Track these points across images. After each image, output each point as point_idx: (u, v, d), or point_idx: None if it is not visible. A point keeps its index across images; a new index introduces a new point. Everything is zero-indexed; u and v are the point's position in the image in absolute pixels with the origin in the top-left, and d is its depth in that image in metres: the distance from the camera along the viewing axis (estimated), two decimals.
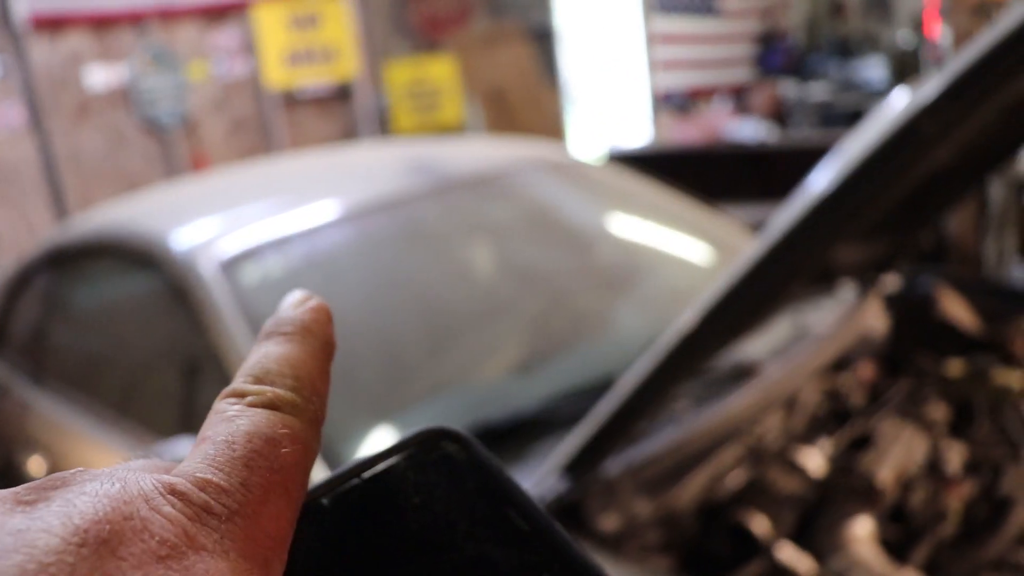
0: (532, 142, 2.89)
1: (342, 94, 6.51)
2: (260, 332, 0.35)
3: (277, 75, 6.05)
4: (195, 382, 2.17)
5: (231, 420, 0.30)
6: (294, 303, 0.35)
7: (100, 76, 5.54)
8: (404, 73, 6.57)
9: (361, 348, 1.97)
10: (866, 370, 1.95)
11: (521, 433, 1.66)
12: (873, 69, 7.25)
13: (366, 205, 2.20)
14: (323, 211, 2.19)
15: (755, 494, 1.39)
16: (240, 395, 0.31)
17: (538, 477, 1.32)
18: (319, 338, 0.34)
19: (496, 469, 0.31)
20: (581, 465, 1.25)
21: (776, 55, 8.79)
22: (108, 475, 0.27)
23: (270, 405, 0.30)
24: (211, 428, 0.30)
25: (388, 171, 2.41)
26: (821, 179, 1.22)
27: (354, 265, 2.16)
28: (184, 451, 1.78)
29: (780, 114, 5.12)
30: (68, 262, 2.66)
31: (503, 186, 2.43)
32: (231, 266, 2.04)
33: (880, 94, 5.78)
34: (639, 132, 8.29)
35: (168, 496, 0.27)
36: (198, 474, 0.28)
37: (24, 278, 2.80)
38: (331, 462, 1.51)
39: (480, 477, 0.30)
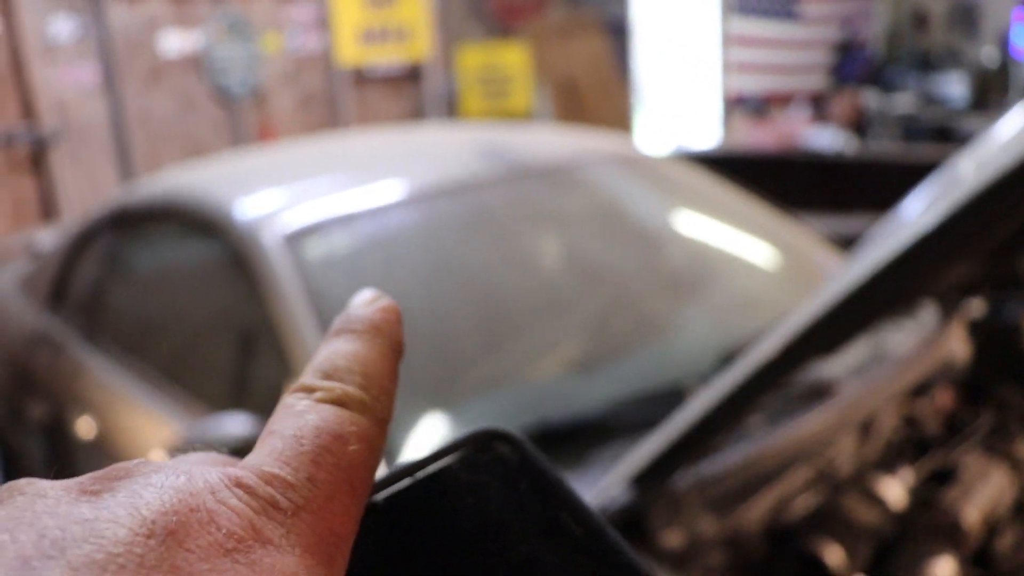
0: (605, 135, 2.81)
1: (412, 75, 6.48)
2: (329, 328, 0.34)
3: (349, 52, 6.02)
4: (250, 355, 2.14)
5: (299, 415, 0.30)
6: (364, 301, 0.35)
7: (175, 42, 5.56)
8: (476, 58, 6.51)
9: (418, 336, 1.92)
10: (945, 398, 1.86)
11: (581, 437, 1.59)
12: (954, 85, 7.03)
13: (434, 188, 2.15)
14: (390, 190, 2.14)
15: (828, 521, 1.31)
16: (309, 390, 0.31)
17: (602, 486, 1.25)
18: (388, 338, 0.34)
19: (549, 472, 0.31)
20: (649, 478, 1.19)
21: (854, 65, 8.58)
22: (173, 467, 0.27)
23: (338, 402, 0.30)
24: (279, 422, 0.30)
25: (458, 154, 2.36)
26: (930, 201, 1.13)
27: (417, 248, 2.11)
28: (233, 426, 1.76)
29: (860, 124, 4.96)
30: (131, 224, 2.64)
31: (574, 178, 2.37)
32: (295, 240, 2.00)
33: (963, 112, 5.60)
34: (707, 133, 8.15)
35: (234, 489, 0.27)
36: (265, 468, 0.27)
37: (87, 238, 2.79)
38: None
39: (533, 480, 0.30)
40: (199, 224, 2.26)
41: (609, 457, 1.43)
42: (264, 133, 5.77)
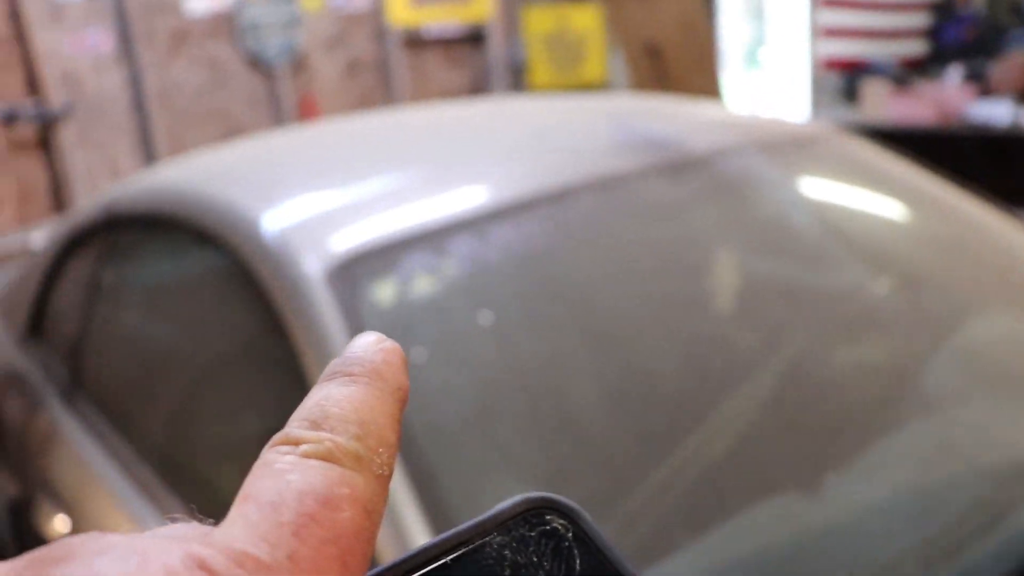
0: (758, 109, 2.02)
1: (473, 39, 5.68)
2: (322, 373, 0.29)
3: (402, 11, 5.26)
4: (275, 427, 1.39)
5: (280, 475, 0.25)
6: (364, 344, 0.30)
7: (201, 1, 4.82)
8: (545, 20, 5.74)
9: (542, 430, 1.19)
10: None
11: None
12: None
13: (553, 190, 1.38)
14: (485, 194, 1.39)
15: None
16: (293, 443, 0.26)
17: None
18: (390, 382, 0.29)
19: (610, 552, 0.27)
20: None
21: (955, 27, 7.70)
22: (126, 546, 0.22)
23: (328, 457, 0.25)
24: (255, 484, 0.25)
25: (582, 137, 1.58)
26: None
27: (533, 288, 1.35)
28: None
29: None
30: (122, 236, 1.92)
31: (741, 171, 1.58)
32: (343, 273, 1.28)
33: None
34: (797, 103, 7.44)
35: (197, 573, 0.22)
36: (235, 545, 0.23)
37: (68, 251, 2.07)
38: None
39: (591, 559, 0.27)
40: (208, 241, 1.53)
41: None
42: (305, 107, 5.02)
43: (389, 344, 0.30)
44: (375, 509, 0.26)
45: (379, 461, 0.26)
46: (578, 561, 0.26)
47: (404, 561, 0.26)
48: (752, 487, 1.21)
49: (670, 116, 1.75)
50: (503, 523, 0.27)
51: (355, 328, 1.19)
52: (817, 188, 1.63)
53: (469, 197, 1.36)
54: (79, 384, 1.93)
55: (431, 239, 1.31)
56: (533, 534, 0.27)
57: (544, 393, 1.28)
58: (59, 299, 2.10)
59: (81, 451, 1.77)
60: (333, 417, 0.27)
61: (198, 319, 1.71)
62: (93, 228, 1.97)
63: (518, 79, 5.79)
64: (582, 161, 1.40)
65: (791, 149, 1.68)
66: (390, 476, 0.27)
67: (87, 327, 1.99)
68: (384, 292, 1.32)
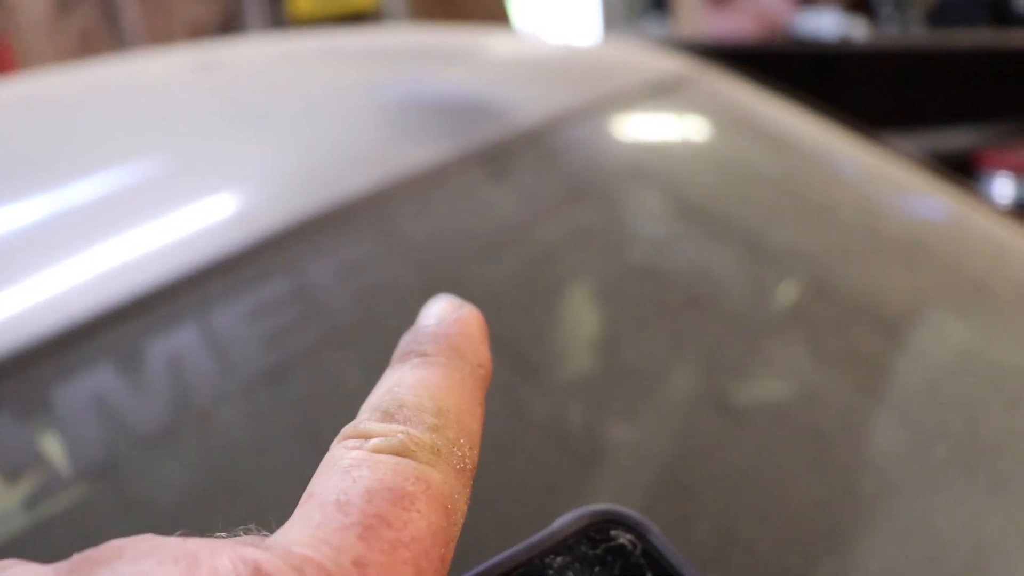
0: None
1: None
2: (395, 353, 0.27)
3: None
4: None
5: (347, 472, 0.22)
6: (437, 313, 0.28)
7: None
8: None
9: None
10: None
11: None
12: None
13: (265, 239, 0.71)
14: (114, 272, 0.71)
15: None
16: (363, 436, 0.23)
17: None
18: (470, 360, 0.26)
19: (683, 567, 0.24)
20: None
21: None
22: (176, 548, 0.20)
23: (402, 451, 0.23)
24: (320, 482, 0.22)
25: (334, 114, 0.91)
26: None
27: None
28: None
29: (862, 2, 3.78)
30: None
31: (592, 150, 0.97)
32: None
33: None
34: (589, 22, 6.98)
35: None
36: (295, 548, 0.20)
37: None
38: None
39: None
40: None
41: None
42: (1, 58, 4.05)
43: (467, 312, 0.28)
44: (455, 508, 0.23)
45: (460, 454, 0.24)
46: None
47: None
48: None
49: (470, 60, 1.12)
50: (563, 540, 0.24)
51: None
52: (701, 172, 1.05)
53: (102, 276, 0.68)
54: None
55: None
56: (597, 552, 0.24)
57: None
58: None
59: None
60: (407, 406, 0.24)
61: None
62: None
63: (276, 7, 5.00)
64: (336, 165, 0.75)
65: (653, 104, 1.09)
66: (473, 470, 0.24)
67: None
68: None
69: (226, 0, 4.86)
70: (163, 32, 4.57)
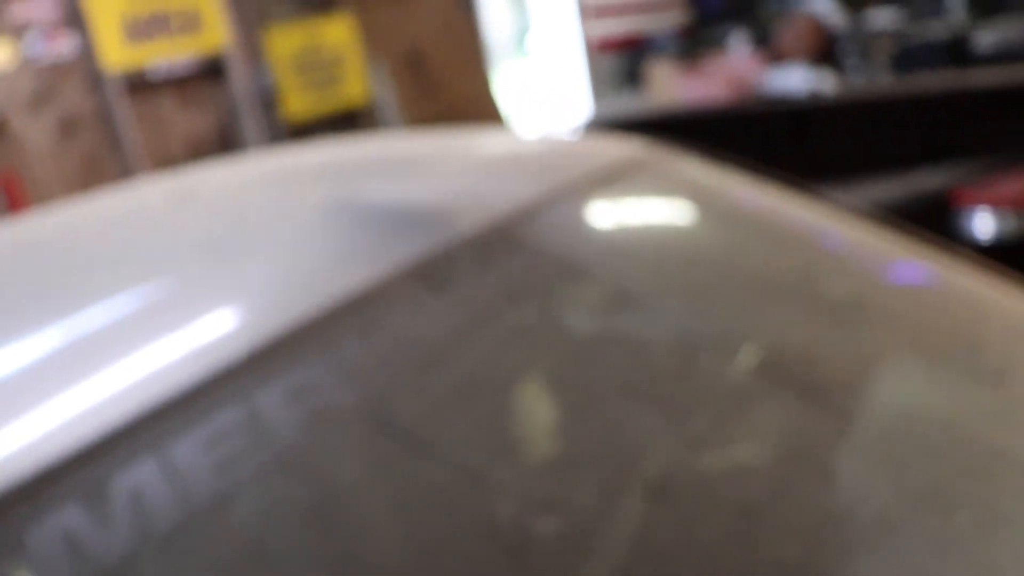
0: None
1: (211, 72, 4.96)
2: None
3: (118, 51, 4.49)
4: None
5: None
6: None
7: None
8: (291, 41, 5.11)
9: None
10: None
11: None
12: None
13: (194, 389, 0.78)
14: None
15: None
16: None
17: None
18: None
19: None
20: None
21: None
22: None
23: None
24: None
25: (284, 240, 0.98)
26: None
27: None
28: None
29: (827, 55, 3.84)
30: None
31: (542, 247, 1.04)
32: None
33: (964, 23, 4.34)
34: (580, 96, 7.14)
35: None
36: None
37: None
38: None
39: None
40: None
41: None
42: (10, 191, 4.15)
43: None
44: None
45: None
46: None
47: None
48: None
49: (421, 168, 1.20)
50: None
51: None
52: (639, 258, 1.11)
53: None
54: None
55: None
56: None
57: None
58: None
59: None
60: None
61: None
62: None
63: (270, 111, 5.12)
64: (283, 293, 0.82)
65: (607, 191, 1.16)
66: None
67: None
68: None
69: (221, 113, 4.99)
70: (163, 150, 4.70)
